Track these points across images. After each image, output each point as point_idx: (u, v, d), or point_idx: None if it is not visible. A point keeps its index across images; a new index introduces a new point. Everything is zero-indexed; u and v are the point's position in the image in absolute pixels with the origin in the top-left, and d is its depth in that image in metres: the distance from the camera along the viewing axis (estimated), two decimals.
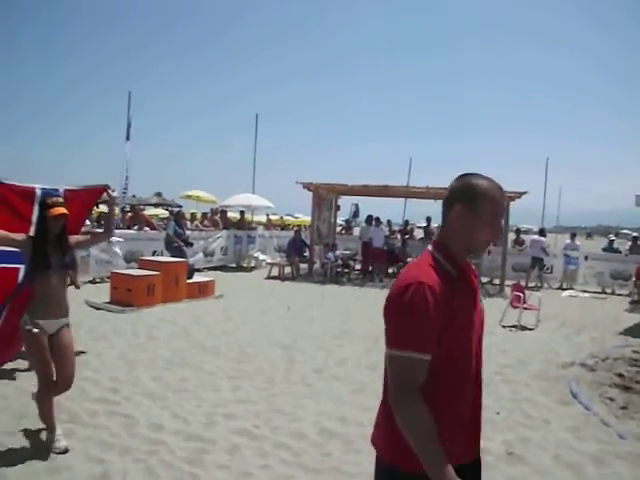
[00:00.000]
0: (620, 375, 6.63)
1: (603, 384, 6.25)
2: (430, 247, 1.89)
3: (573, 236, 17.81)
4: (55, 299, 3.99)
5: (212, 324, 8.62)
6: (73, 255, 4.25)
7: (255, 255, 18.59)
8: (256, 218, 24.66)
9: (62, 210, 3.98)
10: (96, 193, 5.13)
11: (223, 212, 19.26)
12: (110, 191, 4.91)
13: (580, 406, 5.55)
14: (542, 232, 17.80)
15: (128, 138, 17.09)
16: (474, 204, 1.79)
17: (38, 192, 4.61)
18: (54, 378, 4.01)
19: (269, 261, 17.51)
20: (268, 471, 3.84)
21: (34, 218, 4.40)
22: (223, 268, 17.12)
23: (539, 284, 16.31)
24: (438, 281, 1.71)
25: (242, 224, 19.75)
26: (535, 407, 5.47)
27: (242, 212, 20.21)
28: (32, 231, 4.23)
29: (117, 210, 9.65)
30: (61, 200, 4.14)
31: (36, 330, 3.86)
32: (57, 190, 4.73)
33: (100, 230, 4.69)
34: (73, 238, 4.26)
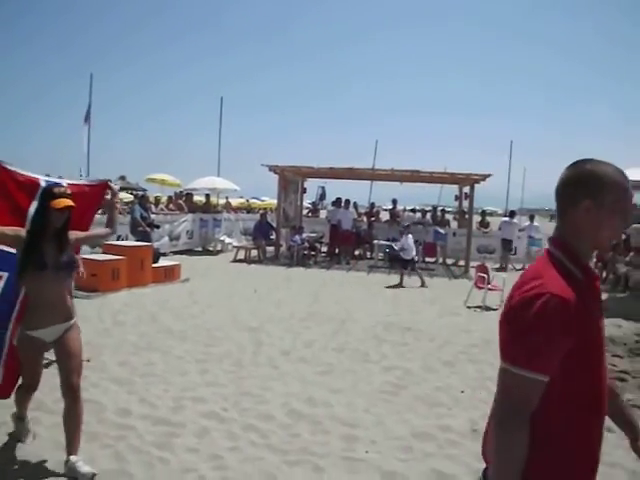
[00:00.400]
0: None
1: None
2: (551, 246, 1.69)
3: (532, 218, 18.19)
4: (50, 304, 3.50)
5: (179, 308, 8.58)
6: (72, 254, 3.70)
7: (221, 238, 18.50)
8: (221, 201, 24.50)
9: (69, 202, 3.46)
10: (100, 189, 4.46)
11: (189, 195, 19.08)
12: (113, 184, 4.44)
13: None
14: (512, 214, 18.10)
15: (87, 120, 16.79)
16: (602, 196, 1.57)
17: (43, 184, 3.85)
18: (37, 384, 3.84)
19: (235, 244, 17.44)
20: (237, 453, 3.88)
21: (32, 209, 3.71)
22: (189, 252, 17.00)
23: (504, 265, 16.62)
24: (568, 292, 1.50)
25: (207, 207, 19.61)
26: None
27: (207, 195, 20.06)
28: (27, 224, 3.63)
29: (119, 205, 9.46)
30: (69, 191, 3.59)
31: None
32: (60, 184, 3.86)
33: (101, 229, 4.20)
34: (72, 234, 3.68)
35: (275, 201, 19.46)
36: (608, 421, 4.22)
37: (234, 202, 33.06)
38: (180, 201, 18.35)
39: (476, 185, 15.81)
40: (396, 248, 12.93)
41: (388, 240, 16.01)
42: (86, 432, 4.05)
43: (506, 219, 17.80)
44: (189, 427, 4.26)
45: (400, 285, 12.06)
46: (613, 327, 8.50)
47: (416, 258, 13.23)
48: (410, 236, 12.81)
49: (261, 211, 26.35)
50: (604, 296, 11.93)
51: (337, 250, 16.80)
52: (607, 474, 3.84)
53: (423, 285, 12.17)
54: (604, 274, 14.39)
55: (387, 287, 11.81)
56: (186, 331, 7.17)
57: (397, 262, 12.76)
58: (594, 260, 15.05)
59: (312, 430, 4.32)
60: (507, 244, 16.67)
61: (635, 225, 15.66)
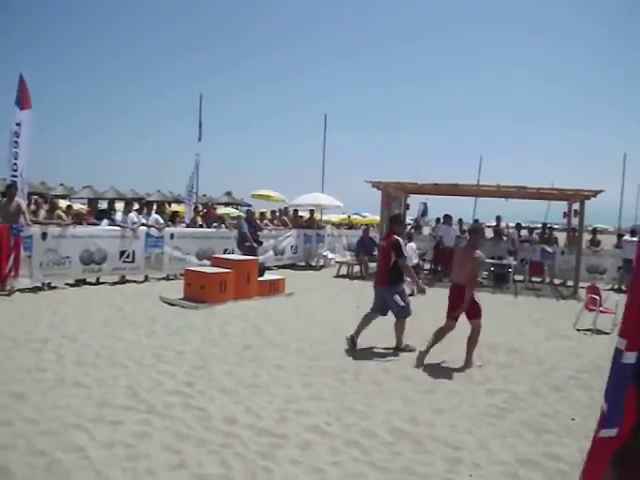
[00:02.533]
0: None
1: None
2: None
3: (633, 233, 17.09)
4: None
5: (283, 321, 8.75)
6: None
7: (324, 254, 18.71)
8: (325, 217, 24.79)
9: None
10: None
11: (295, 211, 19.48)
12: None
13: None
14: (634, 232, 17.20)
15: (200, 139, 17.64)
16: None
17: None
18: None
19: (338, 260, 17.58)
20: (339, 468, 3.88)
21: None
22: (293, 266, 17.34)
23: (623, 286, 15.72)
24: None
25: (311, 223, 19.90)
26: None
27: (312, 211, 20.37)
28: None
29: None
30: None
31: None
32: None
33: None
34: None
35: (377, 217, 19.44)
36: None
37: (336, 218, 33.39)
38: (285, 217, 18.75)
39: (586, 202, 15.06)
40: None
41: (492, 258, 15.57)
42: (193, 437, 4.22)
43: (628, 237, 16.86)
44: (292, 439, 4.31)
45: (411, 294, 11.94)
46: None
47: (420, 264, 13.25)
48: (412, 244, 12.79)
49: (363, 227, 26.40)
50: None
51: (439, 267, 16.54)
52: None
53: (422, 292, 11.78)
54: None
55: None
56: (290, 344, 7.29)
57: None
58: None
59: (414, 449, 4.25)
60: (628, 264, 15.68)
61: None
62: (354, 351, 7.13)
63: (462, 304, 6.67)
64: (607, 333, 9.21)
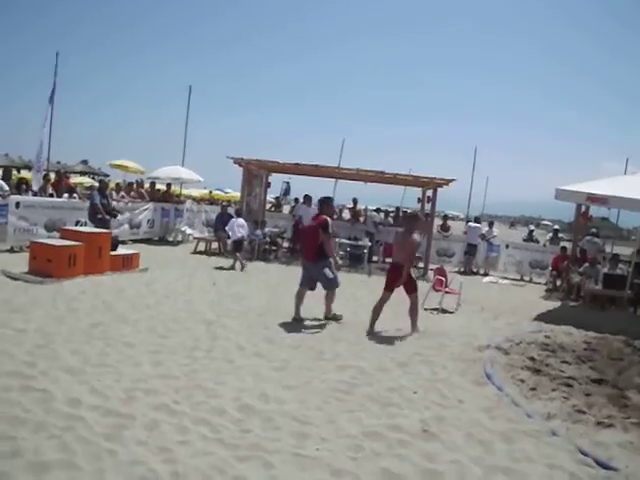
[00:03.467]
0: (532, 358, 6.98)
1: (516, 367, 6.56)
2: None
3: (491, 224, 18.70)
4: None
5: (135, 298, 8.47)
6: None
7: (182, 229, 18.32)
8: (185, 191, 24.26)
9: None
10: None
11: (152, 184, 18.84)
12: None
13: (493, 387, 5.82)
14: (477, 219, 18.91)
15: (51, 101, 16.42)
16: None
17: None
18: None
19: (196, 235, 17.31)
20: (187, 447, 3.85)
21: None
22: (149, 241, 16.80)
23: (467, 269, 17.05)
24: None
25: (169, 196, 19.37)
26: (451, 387, 5.70)
27: (169, 185, 19.82)
28: None
29: None
30: None
31: None
32: None
33: None
34: None
35: (238, 194, 19.35)
36: (509, 431, 4.35)
37: (197, 193, 32.80)
38: (142, 189, 18.10)
39: (439, 189, 16.05)
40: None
41: (349, 239, 16.11)
42: (31, 421, 3.99)
43: (472, 224, 18.24)
44: (139, 419, 4.21)
45: (232, 268, 12.89)
46: (564, 334, 8.72)
47: (246, 238, 14.18)
48: (240, 219, 13.84)
49: (224, 203, 26.18)
50: (557, 304, 12.33)
51: (298, 246, 16.85)
52: (548, 475, 3.97)
53: (242, 268, 12.92)
54: (558, 283, 14.78)
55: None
56: (141, 321, 7.09)
57: (233, 245, 13.76)
58: (549, 269, 15.46)
59: (263, 426, 4.33)
60: (472, 249, 17.10)
61: (588, 237, 16.13)
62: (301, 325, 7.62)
63: (400, 279, 7.79)
64: (451, 312, 9.91)
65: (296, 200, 18.96)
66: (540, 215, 69.70)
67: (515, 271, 17.32)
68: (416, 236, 7.98)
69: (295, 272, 13.03)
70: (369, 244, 15.89)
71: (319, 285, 8.22)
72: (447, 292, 10.23)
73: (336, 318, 8.19)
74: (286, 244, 17.44)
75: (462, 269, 17.28)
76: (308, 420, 4.49)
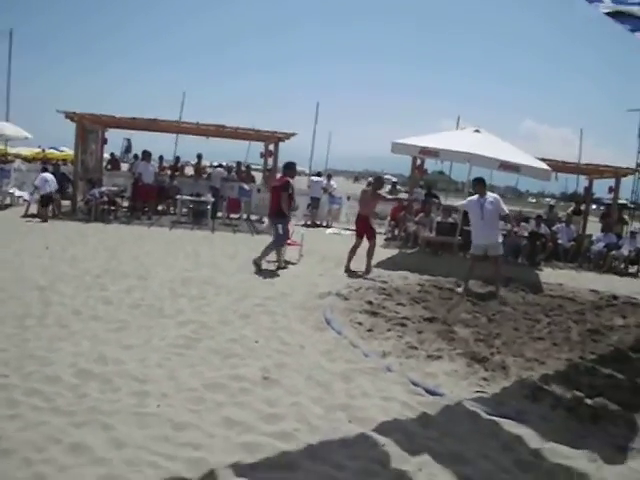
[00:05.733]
0: (369, 302, 7.38)
1: (354, 311, 6.90)
2: None
3: (329, 177, 19.43)
4: None
5: None
6: None
7: (10, 191, 16.90)
8: (11, 150, 22.32)
9: None
10: None
11: None
12: None
13: (333, 331, 6.10)
14: (319, 174, 19.54)
15: None
16: None
17: None
18: None
19: (27, 198, 16.03)
20: (18, 421, 3.61)
21: None
22: None
23: (312, 221, 17.52)
24: None
25: None
26: (292, 334, 5.89)
27: None
28: None
29: None
30: None
31: None
32: None
33: None
34: None
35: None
36: (348, 371, 4.64)
37: (28, 152, 30.37)
38: None
39: (283, 144, 16.18)
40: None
41: (192, 195, 15.83)
42: None
43: (315, 178, 18.74)
44: None
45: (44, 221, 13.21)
46: (400, 279, 9.30)
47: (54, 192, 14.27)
48: (46, 174, 14.47)
49: (60, 162, 24.55)
50: (395, 252, 13.05)
51: (141, 205, 16.24)
52: (383, 407, 4.28)
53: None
54: (397, 232, 15.65)
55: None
56: None
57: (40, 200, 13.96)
58: (388, 219, 16.30)
59: (101, 389, 4.19)
60: (315, 202, 17.58)
61: (416, 189, 17.22)
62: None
63: (367, 229, 10.01)
64: (294, 263, 10.15)
65: (136, 157, 18.17)
66: (383, 169, 73.09)
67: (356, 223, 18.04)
68: (381, 193, 10.70)
69: (136, 231, 12.67)
70: (212, 200, 15.71)
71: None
72: (289, 244, 10.45)
73: (285, 266, 9.66)
74: (126, 203, 16.70)
75: (308, 222, 17.69)
76: (148, 378, 4.43)
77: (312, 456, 3.48)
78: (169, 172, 18.35)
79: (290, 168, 10.17)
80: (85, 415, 3.77)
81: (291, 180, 9.71)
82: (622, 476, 3.59)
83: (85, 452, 3.31)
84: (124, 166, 21.63)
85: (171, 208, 16.97)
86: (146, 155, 16.26)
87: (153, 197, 16.05)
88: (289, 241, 10.47)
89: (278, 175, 18.59)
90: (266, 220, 15.67)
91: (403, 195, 18.12)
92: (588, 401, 4.51)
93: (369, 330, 6.20)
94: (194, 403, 4.07)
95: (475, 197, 8.95)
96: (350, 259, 9.84)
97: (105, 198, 14.89)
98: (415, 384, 4.79)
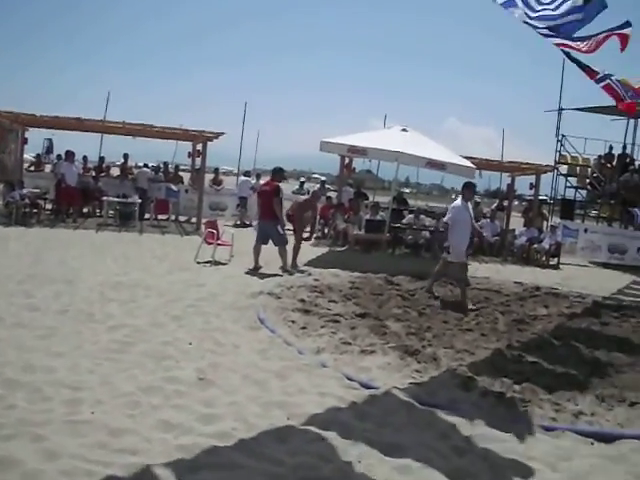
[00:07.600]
0: (302, 300, 7.45)
1: (287, 309, 6.95)
2: None
3: (258, 176, 19.50)
4: None
5: None
6: None
7: None
8: None
9: None
10: None
11: None
12: None
13: (266, 330, 6.13)
14: (247, 173, 20.08)
15: None
16: None
17: None
18: None
19: None
20: None
21: None
22: None
23: (241, 221, 17.43)
24: None
25: None
26: (226, 335, 5.88)
27: None
28: None
29: None
30: None
31: None
32: None
33: None
34: None
35: None
36: (283, 369, 4.63)
37: None
38: None
39: (211, 144, 16.02)
40: None
41: (118, 196, 15.44)
42: None
43: (243, 177, 18.90)
44: None
45: None
46: (331, 276, 9.40)
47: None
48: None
49: None
50: (325, 250, 13.16)
51: (65, 207, 15.65)
52: (320, 402, 4.32)
53: None
54: (326, 230, 15.78)
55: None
56: None
57: None
58: (318, 218, 16.41)
59: (30, 399, 4.03)
60: (244, 201, 17.54)
61: (344, 187, 17.50)
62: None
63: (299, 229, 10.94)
64: (225, 264, 10.08)
65: (58, 157, 17.53)
66: (311, 168, 73.47)
67: (288, 221, 18.06)
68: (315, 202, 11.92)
69: (61, 235, 12.22)
70: (139, 201, 15.37)
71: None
72: (219, 244, 10.38)
73: (291, 272, 9.71)
74: (49, 206, 16.08)
75: (237, 222, 17.58)
76: (80, 385, 4.30)
77: (252, 454, 3.49)
78: (93, 173, 17.84)
79: (279, 172, 10.63)
80: (13, 427, 3.59)
81: (279, 184, 10.34)
82: (549, 453, 3.83)
83: (14, 466, 3.15)
84: (47, 167, 20.83)
85: (97, 210, 16.48)
86: (69, 155, 15.69)
87: (77, 199, 15.50)
88: (219, 241, 10.39)
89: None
90: (194, 221, 15.51)
91: (331, 194, 18.33)
92: (516, 387, 4.74)
93: (303, 328, 6.27)
94: (130, 408, 4.00)
95: (459, 202, 8.43)
96: (295, 256, 10.34)
97: (27, 200, 14.27)
98: (350, 378, 4.91)
